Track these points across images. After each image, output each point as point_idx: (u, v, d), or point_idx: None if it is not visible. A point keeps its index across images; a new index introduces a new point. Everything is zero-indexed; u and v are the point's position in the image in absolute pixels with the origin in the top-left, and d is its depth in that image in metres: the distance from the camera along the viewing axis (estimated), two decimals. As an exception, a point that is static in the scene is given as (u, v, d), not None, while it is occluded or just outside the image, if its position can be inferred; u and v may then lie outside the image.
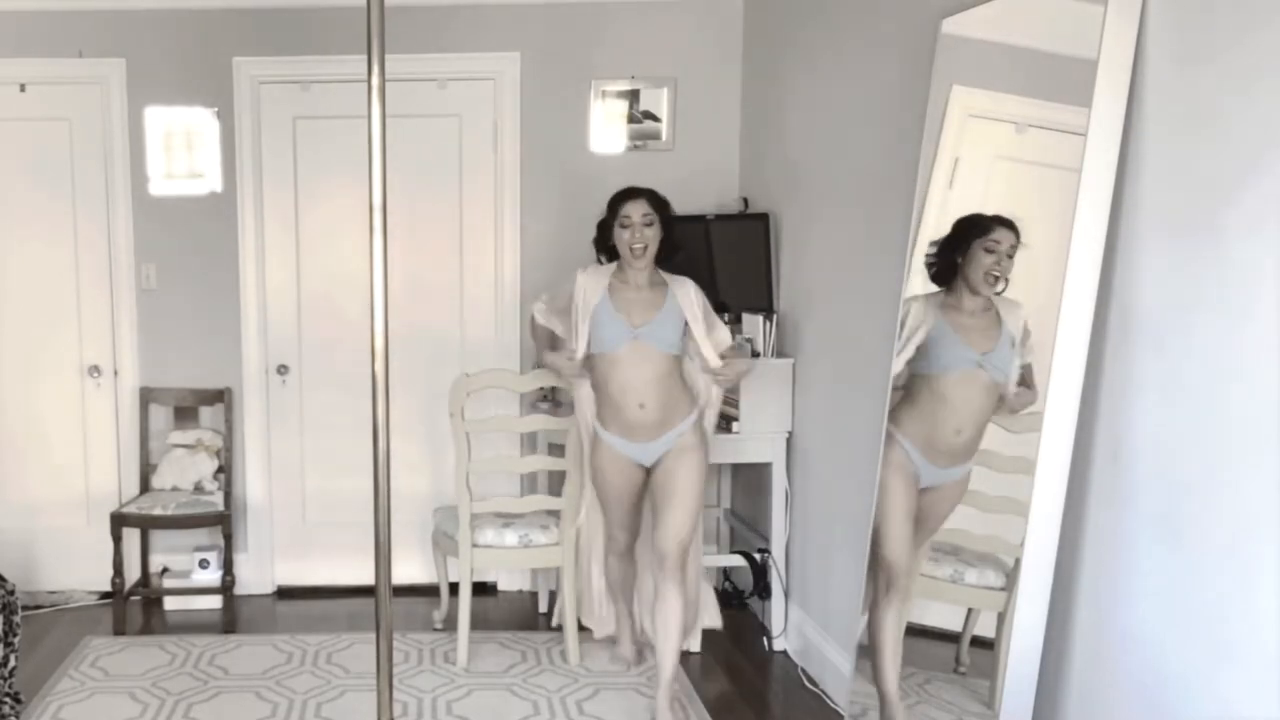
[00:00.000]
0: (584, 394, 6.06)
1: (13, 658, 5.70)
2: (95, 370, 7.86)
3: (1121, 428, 3.69)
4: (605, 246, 6.02)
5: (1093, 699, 3.87)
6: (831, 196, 6.25)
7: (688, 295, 5.87)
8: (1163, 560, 3.50)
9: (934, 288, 4.78)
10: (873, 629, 5.11)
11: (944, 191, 4.68)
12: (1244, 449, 3.16)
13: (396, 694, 5.84)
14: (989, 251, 4.93)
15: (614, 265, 6.02)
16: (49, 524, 7.92)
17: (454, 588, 6.96)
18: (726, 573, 7.75)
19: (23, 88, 7.62)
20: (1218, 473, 3.27)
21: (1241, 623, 3.17)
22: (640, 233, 5.79)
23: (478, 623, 6.93)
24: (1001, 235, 4.96)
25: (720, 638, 7.00)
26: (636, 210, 5.82)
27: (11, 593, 5.76)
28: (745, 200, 7.51)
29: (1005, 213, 4.40)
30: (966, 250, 4.79)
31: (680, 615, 5.75)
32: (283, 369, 7.90)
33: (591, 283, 5.90)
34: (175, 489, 7.64)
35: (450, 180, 7.71)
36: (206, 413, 7.90)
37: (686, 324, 5.83)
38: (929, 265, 4.84)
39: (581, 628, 6.82)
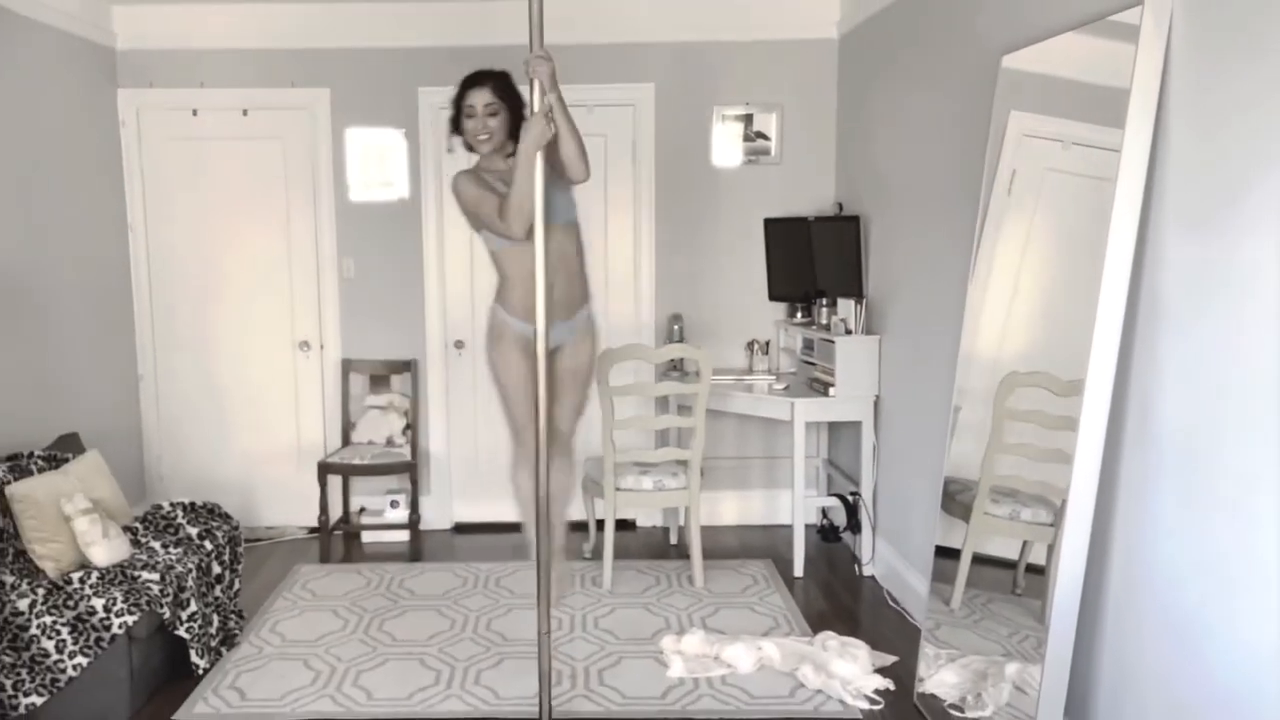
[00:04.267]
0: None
1: (237, 581, 5.97)
2: (305, 345, 8.03)
3: (1149, 393, 3.70)
4: (459, 133, 4.99)
5: (1125, 616, 3.87)
6: (911, 201, 6.29)
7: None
8: (1182, 504, 3.52)
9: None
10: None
11: (1004, 198, 4.67)
12: (1249, 413, 3.17)
13: (553, 611, 5.84)
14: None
15: (477, 158, 5.05)
16: (267, 472, 8.13)
17: (600, 524, 7.05)
18: (825, 511, 7.77)
19: (245, 112, 7.76)
20: (1228, 432, 3.27)
21: (1246, 559, 3.19)
22: (484, 123, 4.83)
23: (619, 553, 6.99)
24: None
25: (819, 566, 7.08)
26: (480, 99, 4.84)
27: (236, 528, 6.03)
28: (840, 205, 7.52)
29: (1051, 216, 4.40)
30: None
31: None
32: (459, 344, 8.01)
33: (469, 184, 4.86)
34: (371, 443, 7.84)
35: (597, 188, 7.59)
36: (396, 380, 8.01)
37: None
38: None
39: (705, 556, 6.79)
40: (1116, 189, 3.69)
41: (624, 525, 7.84)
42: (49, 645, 4.84)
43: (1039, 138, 4.51)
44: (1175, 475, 3.58)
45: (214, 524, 5.94)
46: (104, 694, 4.96)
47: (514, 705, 5.11)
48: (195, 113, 7.75)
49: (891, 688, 5.22)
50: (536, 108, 4.38)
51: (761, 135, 7.80)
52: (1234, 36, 3.27)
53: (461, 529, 8.13)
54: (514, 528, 7.82)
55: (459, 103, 4.93)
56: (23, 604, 4.84)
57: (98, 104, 7.42)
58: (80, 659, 4.86)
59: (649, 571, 6.98)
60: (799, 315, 7.69)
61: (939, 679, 4.84)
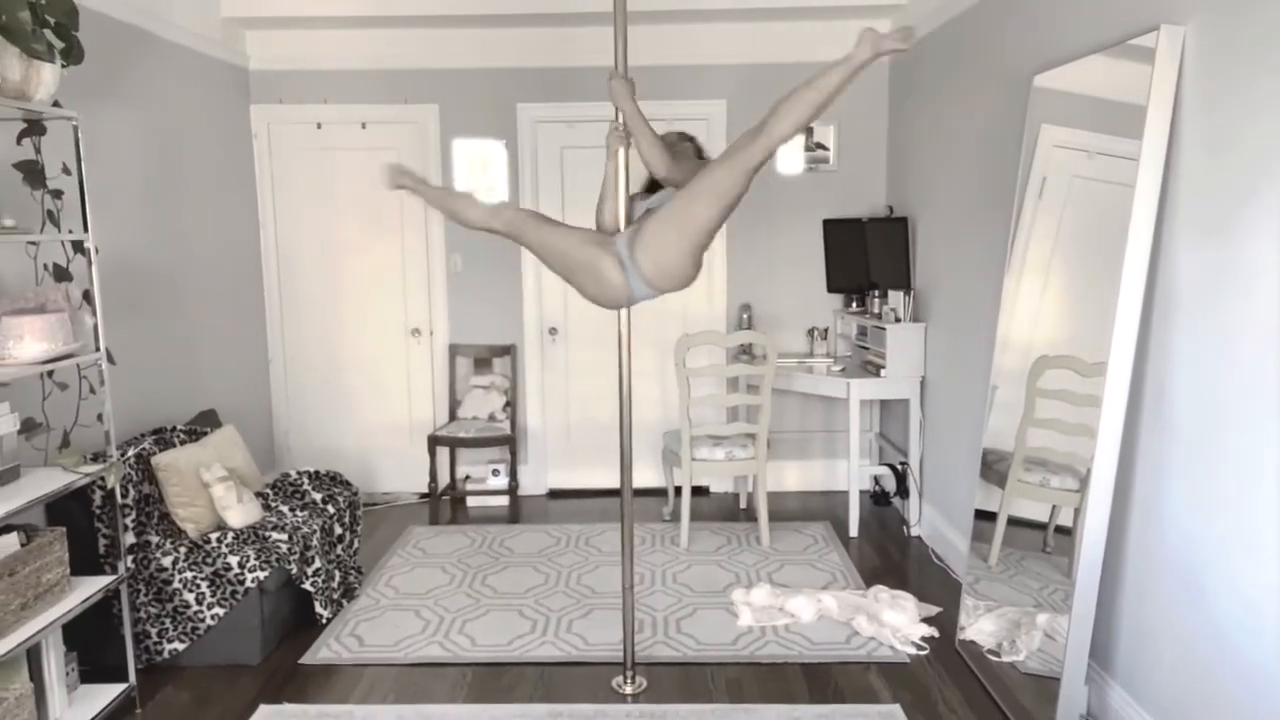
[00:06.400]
0: None
1: (356, 541, 6.02)
2: (417, 332, 8.06)
3: (1164, 376, 3.72)
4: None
5: (1142, 573, 3.89)
6: (954, 205, 6.29)
7: None
8: (1192, 474, 3.55)
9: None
10: None
11: (1035, 202, 4.67)
12: (1250, 393, 3.20)
13: (636, 567, 5.81)
14: None
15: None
16: (383, 444, 8.18)
17: (678, 490, 7.14)
18: (877, 479, 7.76)
19: (364, 126, 7.81)
20: (1231, 409, 3.30)
21: (1248, 521, 3.22)
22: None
23: (695, 515, 7.08)
24: None
25: (872, 527, 7.08)
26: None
27: (355, 494, 6.09)
28: (890, 208, 7.53)
29: (1077, 218, 4.35)
30: None
31: None
32: (553, 331, 8.03)
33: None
34: (475, 418, 7.89)
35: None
36: (498, 362, 8.06)
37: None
38: None
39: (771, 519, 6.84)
40: (1135, 194, 3.72)
41: (699, 491, 7.92)
42: (190, 597, 4.97)
43: (1066, 148, 4.49)
44: (1186, 449, 3.59)
45: (336, 490, 6.03)
46: (238, 641, 5.08)
47: (601, 650, 5.15)
48: (319, 126, 7.82)
49: (936, 635, 5.26)
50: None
51: (821, 146, 7.80)
52: (1239, 59, 3.30)
53: (555, 494, 8.15)
54: (602, 493, 7.88)
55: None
56: (167, 561, 4.95)
57: (233, 118, 7.47)
58: (217, 610, 4.99)
59: (721, 532, 6.99)
60: (854, 305, 7.72)
61: (978, 627, 4.90)
